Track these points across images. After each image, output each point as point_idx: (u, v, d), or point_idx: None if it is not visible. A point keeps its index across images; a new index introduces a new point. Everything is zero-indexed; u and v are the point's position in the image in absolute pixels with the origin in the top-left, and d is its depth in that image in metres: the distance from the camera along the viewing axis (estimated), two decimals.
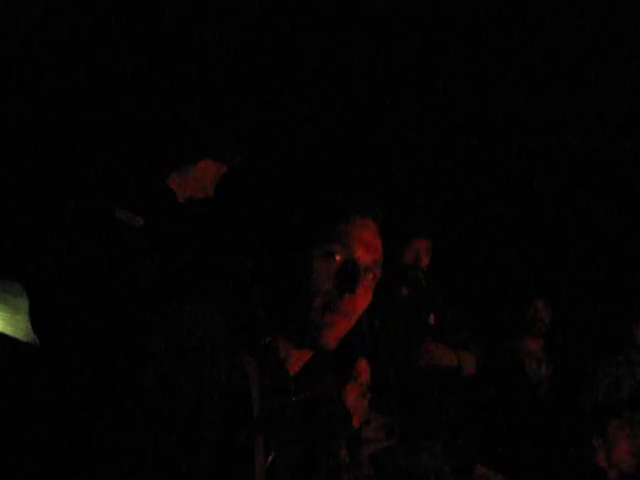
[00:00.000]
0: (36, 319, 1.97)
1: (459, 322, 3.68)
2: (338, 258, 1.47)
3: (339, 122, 4.28)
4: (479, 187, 4.74)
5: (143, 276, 1.98)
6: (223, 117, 2.40)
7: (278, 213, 1.57)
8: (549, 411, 3.96)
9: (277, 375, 1.49)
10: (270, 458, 1.45)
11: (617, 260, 4.76)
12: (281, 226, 1.54)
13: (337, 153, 4.24)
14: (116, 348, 1.76)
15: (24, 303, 2.01)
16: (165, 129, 2.30)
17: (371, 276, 1.51)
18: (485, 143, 4.62)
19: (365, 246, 1.50)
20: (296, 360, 1.53)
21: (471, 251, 4.64)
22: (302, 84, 4.12)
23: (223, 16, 3.70)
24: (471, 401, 3.65)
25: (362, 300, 1.51)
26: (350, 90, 4.30)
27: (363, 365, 2.87)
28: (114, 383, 1.41)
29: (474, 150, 4.64)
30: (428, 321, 3.57)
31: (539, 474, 3.46)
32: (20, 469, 1.68)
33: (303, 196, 1.57)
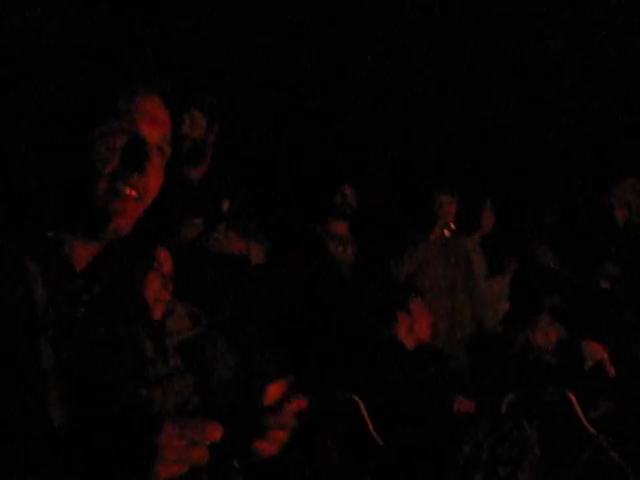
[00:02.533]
0: None
1: (249, 210, 3.64)
2: (121, 136, 1.30)
3: None
4: None
5: None
6: None
7: (51, 93, 1.36)
8: (355, 291, 4.05)
9: (64, 272, 1.33)
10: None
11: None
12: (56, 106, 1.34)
13: None
14: None
15: None
16: None
17: (161, 153, 1.36)
18: None
19: (151, 121, 1.34)
20: (86, 251, 1.37)
21: (271, 137, 4.58)
22: None
23: None
24: (267, 288, 3.66)
25: (154, 180, 1.36)
26: None
27: (164, 255, 2.74)
28: None
29: None
30: (221, 209, 3.50)
31: (348, 354, 3.58)
32: None
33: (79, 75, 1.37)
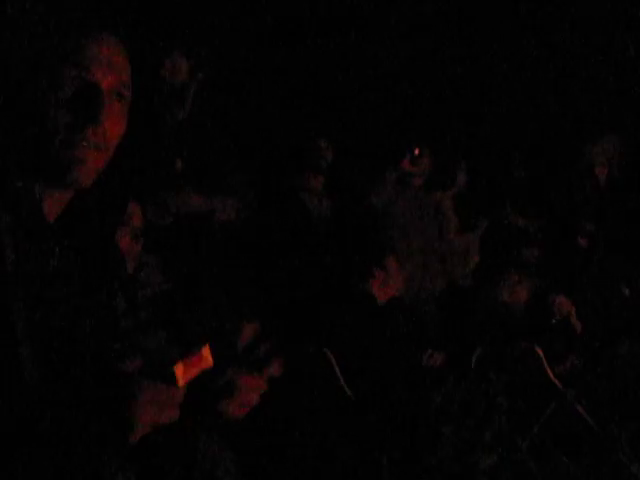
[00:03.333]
0: None
1: (227, 162, 3.62)
2: (72, 84, 1.26)
3: None
4: None
5: None
6: None
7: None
8: (329, 245, 4.04)
9: (34, 222, 1.30)
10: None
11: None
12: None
13: None
14: None
15: None
16: None
17: (120, 100, 1.31)
18: None
19: (107, 66, 1.28)
20: (54, 203, 1.34)
21: (250, 89, 4.54)
22: None
23: None
24: (242, 242, 3.65)
25: (114, 128, 1.31)
26: None
27: (134, 207, 2.71)
28: None
29: None
30: (176, 168, 3.48)
31: (317, 309, 3.59)
32: None
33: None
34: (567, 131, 4.81)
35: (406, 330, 3.73)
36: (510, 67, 5.03)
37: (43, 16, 1.31)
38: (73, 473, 1.14)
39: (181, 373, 1.19)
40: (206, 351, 1.24)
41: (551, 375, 3.60)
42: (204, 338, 1.30)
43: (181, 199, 3.39)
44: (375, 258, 3.87)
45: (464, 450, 3.20)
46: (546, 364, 3.61)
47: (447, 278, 4.31)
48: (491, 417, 3.40)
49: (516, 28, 5.12)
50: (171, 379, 1.17)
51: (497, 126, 5.03)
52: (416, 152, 4.21)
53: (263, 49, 4.62)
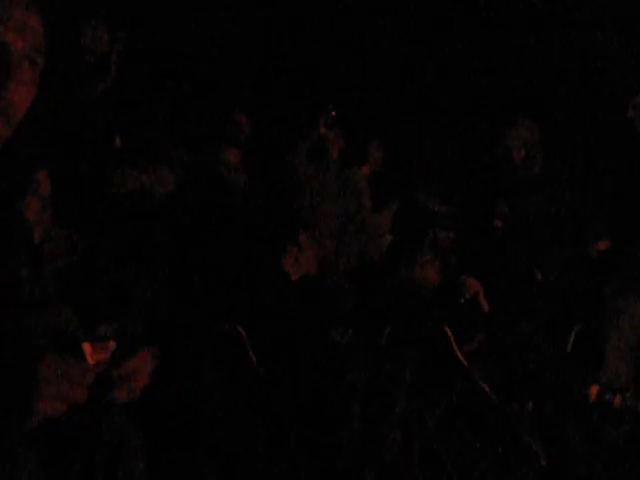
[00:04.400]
0: None
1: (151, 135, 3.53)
2: None
3: None
4: None
5: None
6: None
7: None
8: (248, 217, 4.01)
9: None
10: None
11: None
12: None
13: None
14: None
15: None
16: None
17: (31, 66, 1.25)
18: None
19: (19, 29, 1.22)
20: None
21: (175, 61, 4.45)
22: None
23: None
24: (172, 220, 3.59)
25: (23, 95, 1.25)
26: None
27: (43, 176, 2.61)
28: None
29: None
30: (115, 145, 3.38)
31: (232, 283, 3.56)
32: None
33: None
34: (484, 114, 4.88)
35: (318, 307, 3.74)
36: (428, 49, 5.07)
37: None
38: None
39: (90, 351, 1.17)
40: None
41: (459, 353, 3.67)
42: (109, 318, 1.28)
43: (119, 174, 3.29)
44: (288, 234, 3.86)
45: (371, 427, 3.24)
46: (454, 343, 3.68)
47: (361, 255, 4.33)
48: (398, 396, 3.44)
49: (433, 11, 5.15)
50: (81, 356, 1.15)
51: (412, 106, 5.06)
52: (333, 114, 4.19)
53: (184, 21, 4.52)
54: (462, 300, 4.04)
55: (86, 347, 1.18)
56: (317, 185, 4.19)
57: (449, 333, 3.69)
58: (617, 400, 3.63)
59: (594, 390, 3.64)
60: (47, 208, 2.64)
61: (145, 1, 4.20)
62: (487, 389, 3.53)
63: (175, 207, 3.72)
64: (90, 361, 1.17)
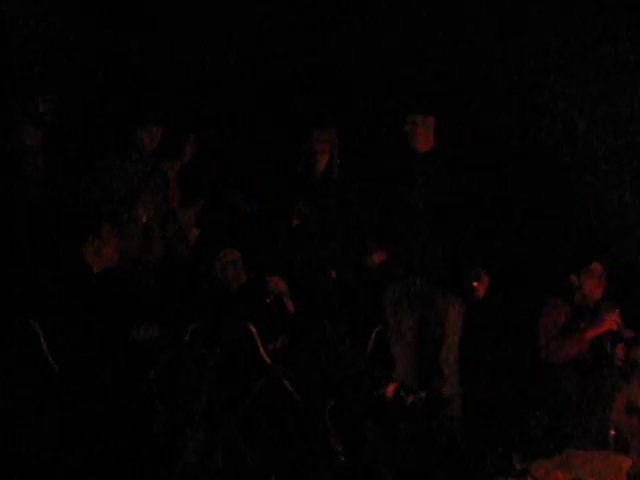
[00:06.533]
0: None
1: None
2: None
3: None
4: None
5: None
6: None
7: None
8: (50, 208, 3.80)
9: None
10: None
11: None
12: None
13: None
14: None
15: None
16: None
17: None
18: None
19: None
20: None
21: None
22: None
23: None
24: None
25: None
26: None
27: None
28: None
29: None
30: None
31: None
32: None
33: None
34: (288, 120, 4.95)
35: (120, 301, 3.59)
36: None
37: None
38: None
39: None
40: None
41: (262, 352, 3.68)
42: None
43: None
44: (90, 225, 3.69)
45: (175, 426, 3.16)
46: (259, 341, 3.68)
47: (166, 249, 4.22)
48: (202, 393, 3.39)
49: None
50: None
51: (226, 108, 5.05)
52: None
53: None
54: (267, 300, 4.05)
55: None
56: (127, 174, 4.04)
57: (254, 331, 3.69)
58: (410, 399, 3.79)
59: (391, 389, 3.77)
60: None
61: None
62: (290, 387, 3.56)
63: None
64: None
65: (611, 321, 3.97)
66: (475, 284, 4.21)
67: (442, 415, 3.90)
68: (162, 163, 4.27)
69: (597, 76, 4.70)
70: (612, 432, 3.68)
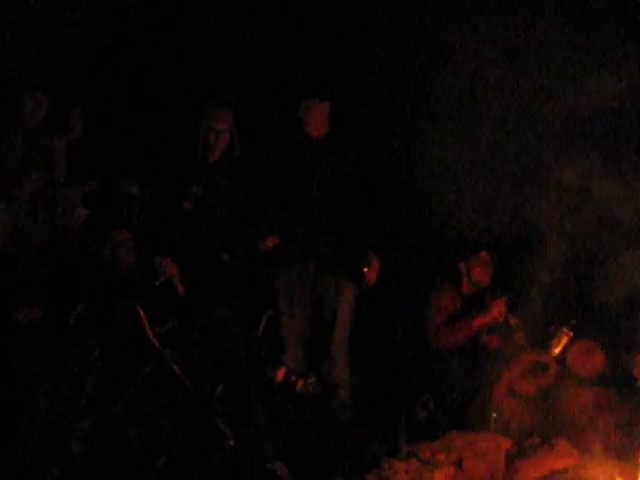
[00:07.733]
0: None
1: None
2: None
3: None
4: None
5: None
6: None
7: None
8: None
9: None
10: None
11: None
12: None
13: None
14: None
15: None
16: None
17: None
18: None
19: None
20: None
21: None
22: None
23: None
24: None
25: None
26: None
27: None
28: None
29: None
30: None
31: None
32: None
33: None
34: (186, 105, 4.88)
35: (5, 282, 3.44)
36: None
37: None
38: None
39: None
40: None
41: (150, 335, 3.59)
42: None
43: None
44: None
45: (59, 415, 3.05)
46: (147, 324, 3.60)
47: (52, 228, 4.07)
48: (87, 379, 3.28)
49: None
50: None
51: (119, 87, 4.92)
52: None
53: None
54: (157, 282, 3.96)
55: None
56: (16, 149, 3.87)
57: (141, 314, 3.60)
58: (300, 383, 3.80)
59: (280, 373, 3.77)
60: None
61: None
62: (179, 372, 3.49)
63: None
64: None
65: (497, 310, 4.10)
66: (365, 270, 4.26)
67: (331, 399, 3.93)
68: (48, 137, 4.11)
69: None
70: (494, 415, 3.80)
